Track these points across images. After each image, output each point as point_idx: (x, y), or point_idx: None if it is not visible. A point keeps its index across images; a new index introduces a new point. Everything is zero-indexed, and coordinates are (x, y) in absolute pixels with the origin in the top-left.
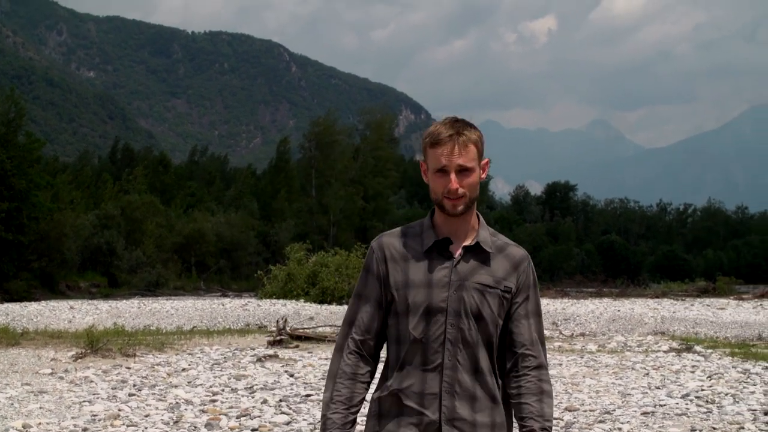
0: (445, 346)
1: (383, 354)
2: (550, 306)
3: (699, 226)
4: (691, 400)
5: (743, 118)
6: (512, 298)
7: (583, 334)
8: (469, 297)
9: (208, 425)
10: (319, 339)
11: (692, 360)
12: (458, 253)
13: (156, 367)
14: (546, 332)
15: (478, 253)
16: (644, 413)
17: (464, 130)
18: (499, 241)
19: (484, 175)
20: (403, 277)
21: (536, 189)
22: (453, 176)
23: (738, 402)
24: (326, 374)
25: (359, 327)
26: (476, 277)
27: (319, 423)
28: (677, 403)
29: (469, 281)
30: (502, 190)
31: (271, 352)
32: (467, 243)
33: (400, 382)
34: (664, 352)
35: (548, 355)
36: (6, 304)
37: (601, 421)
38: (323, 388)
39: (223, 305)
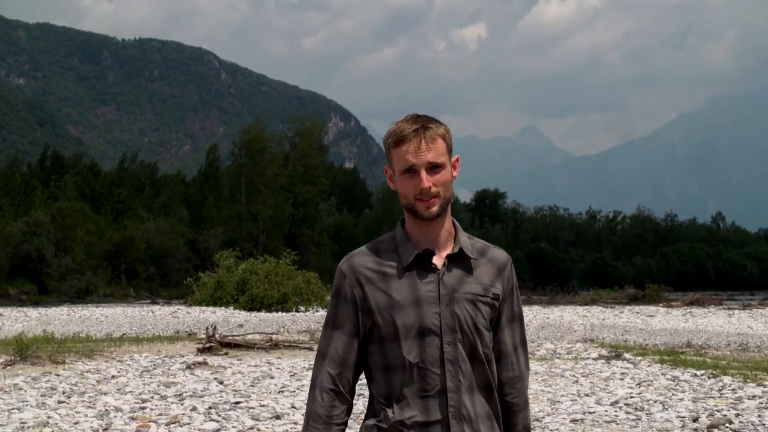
0: (444, 368)
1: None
2: None
3: (628, 233)
4: (620, 407)
5: (672, 126)
6: (499, 305)
7: None
8: (462, 310)
9: None
10: (249, 346)
11: (621, 367)
12: (442, 263)
13: (85, 374)
14: None
15: (461, 260)
16: (573, 420)
17: (429, 124)
18: (478, 244)
19: (455, 173)
20: (385, 298)
21: (466, 196)
22: (423, 174)
23: (667, 409)
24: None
25: (333, 360)
26: (465, 287)
27: None
28: (606, 411)
29: (458, 293)
30: None
31: (200, 359)
32: (449, 251)
33: (400, 414)
34: (594, 359)
35: None
36: None
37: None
38: (301, 425)
39: (152, 312)
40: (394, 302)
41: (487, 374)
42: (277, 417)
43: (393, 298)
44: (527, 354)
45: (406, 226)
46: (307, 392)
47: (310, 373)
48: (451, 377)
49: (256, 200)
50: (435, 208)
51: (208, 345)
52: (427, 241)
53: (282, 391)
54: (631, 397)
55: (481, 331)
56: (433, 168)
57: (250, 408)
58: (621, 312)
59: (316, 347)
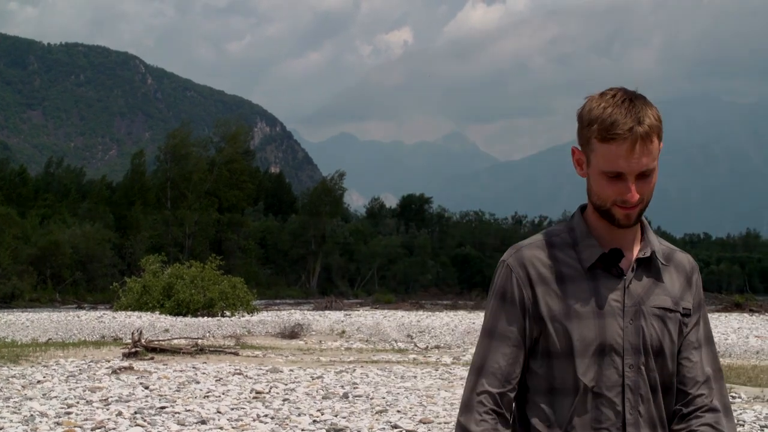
0: (624, 396)
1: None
2: (405, 318)
3: None
4: None
5: None
6: (688, 323)
7: (437, 347)
8: (649, 327)
9: None
10: (174, 351)
11: None
12: (629, 267)
13: (11, 379)
14: (400, 344)
15: (650, 266)
16: None
17: (645, 115)
18: (663, 246)
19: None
20: (560, 304)
21: (392, 201)
22: (632, 185)
23: None
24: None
25: (495, 375)
26: (653, 299)
27: None
28: None
29: (645, 305)
30: (357, 203)
31: (126, 364)
32: (640, 254)
33: None
34: None
35: (402, 368)
36: None
37: None
38: None
39: (78, 317)
40: (571, 310)
41: (668, 407)
42: (203, 422)
43: (570, 305)
44: (723, 382)
45: (587, 217)
46: (458, 416)
47: (236, 377)
48: (630, 408)
49: (181, 205)
50: (635, 218)
51: (133, 350)
52: (613, 239)
53: (207, 396)
54: None
55: (665, 354)
56: (643, 175)
57: (176, 413)
58: None
59: (241, 352)
